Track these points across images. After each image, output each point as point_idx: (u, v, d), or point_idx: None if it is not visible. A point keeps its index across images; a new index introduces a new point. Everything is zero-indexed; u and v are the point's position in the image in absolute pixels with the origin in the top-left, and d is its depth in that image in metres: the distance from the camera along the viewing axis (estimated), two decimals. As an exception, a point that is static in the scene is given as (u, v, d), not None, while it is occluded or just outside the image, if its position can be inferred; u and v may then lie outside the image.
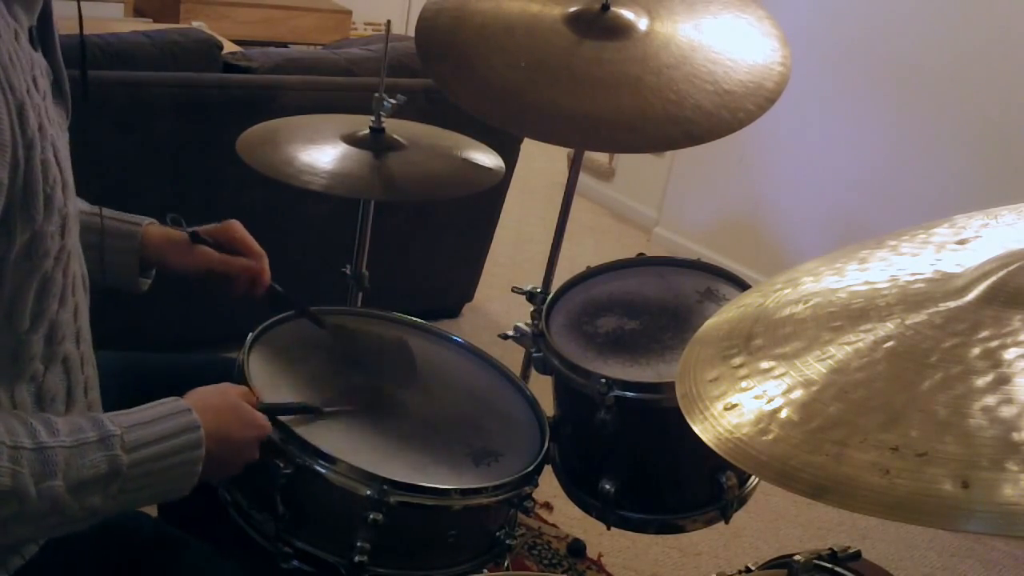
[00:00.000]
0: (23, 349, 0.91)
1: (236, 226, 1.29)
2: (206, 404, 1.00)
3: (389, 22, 1.72)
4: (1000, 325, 0.68)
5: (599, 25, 1.53)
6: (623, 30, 1.52)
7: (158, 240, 1.24)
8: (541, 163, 4.36)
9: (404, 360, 1.37)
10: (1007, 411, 0.62)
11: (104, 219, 1.17)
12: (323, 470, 1.09)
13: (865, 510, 0.61)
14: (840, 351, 0.74)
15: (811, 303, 0.82)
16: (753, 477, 1.43)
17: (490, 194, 2.30)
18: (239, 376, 1.18)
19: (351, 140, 1.61)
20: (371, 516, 1.07)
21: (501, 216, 3.00)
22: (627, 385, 1.32)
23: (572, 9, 1.56)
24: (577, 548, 2.11)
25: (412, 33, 1.68)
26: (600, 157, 4.42)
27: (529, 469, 1.20)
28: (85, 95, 1.00)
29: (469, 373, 1.39)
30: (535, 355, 1.46)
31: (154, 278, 1.30)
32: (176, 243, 1.25)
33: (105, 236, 1.17)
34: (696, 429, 0.75)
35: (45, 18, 0.94)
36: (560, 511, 2.20)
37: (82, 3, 1.01)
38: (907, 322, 0.73)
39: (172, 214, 1.27)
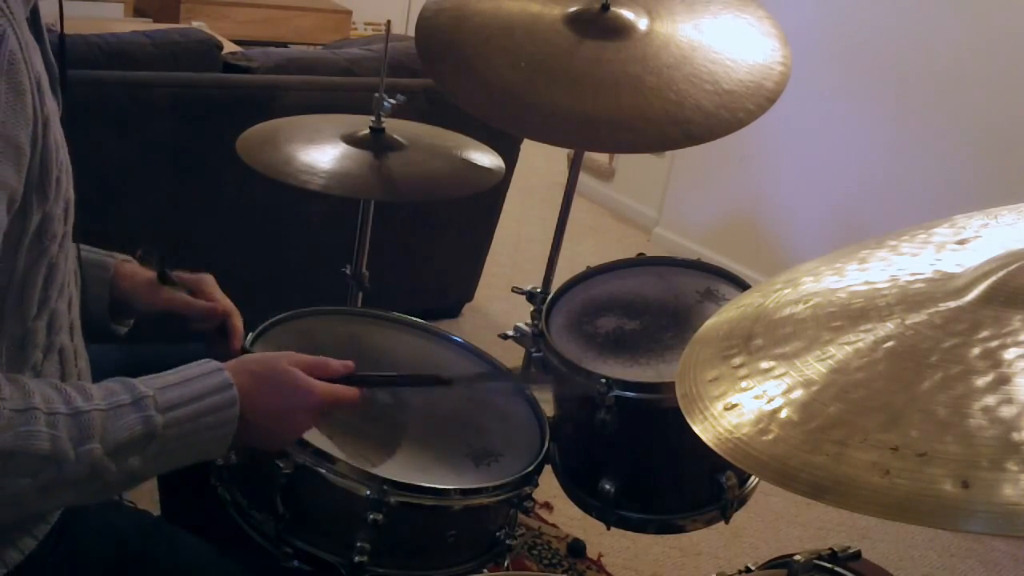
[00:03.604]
0: (29, 337, 0.93)
1: (209, 279, 1.25)
2: (243, 368, 0.99)
3: (389, 22, 1.72)
4: (1000, 325, 0.68)
5: (599, 25, 1.53)
6: (623, 30, 1.52)
7: (127, 277, 1.20)
8: (541, 163, 4.35)
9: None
10: (1007, 411, 0.62)
11: (80, 249, 1.12)
12: (323, 470, 1.09)
13: (865, 510, 0.61)
14: (840, 351, 0.74)
15: (811, 303, 0.82)
16: (753, 477, 1.43)
17: (490, 194, 2.30)
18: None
19: (351, 140, 1.61)
20: (371, 516, 1.07)
21: (501, 216, 3.00)
22: (627, 385, 1.32)
23: (572, 9, 1.56)
24: (577, 548, 2.11)
25: (412, 33, 1.68)
26: (600, 157, 4.41)
27: (529, 469, 1.20)
28: (64, 90, 1.00)
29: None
30: (535, 355, 1.46)
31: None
32: (143, 283, 1.21)
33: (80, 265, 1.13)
34: (696, 429, 0.75)
35: (34, 12, 0.95)
36: (560, 511, 2.20)
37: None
38: (907, 322, 0.73)
39: (144, 246, 1.22)
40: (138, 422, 0.89)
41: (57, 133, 0.90)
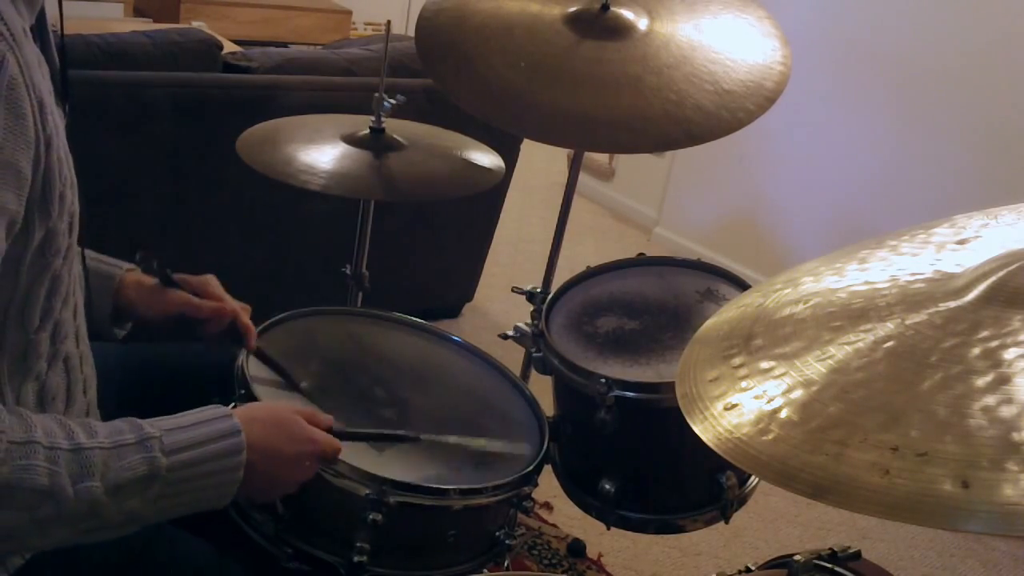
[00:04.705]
0: (32, 348, 0.92)
1: (212, 280, 1.25)
2: (251, 415, 0.99)
3: (389, 22, 1.72)
4: (1000, 325, 0.68)
5: (599, 25, 1.53)
6: (623, 30, 1.52)
7: (132, 286, 1.21)
8: (541, 163, 4.35)
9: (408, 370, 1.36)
10: (1007, 411, 0.62)
11: (87, 259, 1.11)
12: (323, 470, 1.09)
13: (865, 510, 0.61)
14: (840, 351, 0.74)
15: (811, 303, 0.82)
16: (753, 477, 1.43)
17: (490, 194, 2.30)
18: (240, 376, 1.17)
19: (351, 140, 1.61)
20: (371, 516, 1.07)
21: (501, 216, 3.00)
22: (627, 385, 1.32)
23: (572, 9, 1.56)
24: (577, 548, 2.11)
25: (412, 33, 1.68)
26: (600, 157, 4.41)
27: (529, 469, 1.20)
28: (66, 96, 0.99)
29: (469, 373, 1.39)
30: (535, 355, 1.46)
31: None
32: (148, 290, 1.21)
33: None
34: (696, 429, 0.75)
35: (40, 17, 0.95)
36: (560, 511, 2.20)
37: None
38: (907, 322, 0.73)
39: (142, 252, 1.21)
40: (141, 463, 0.88)
41: (61, 149, 0.89)
